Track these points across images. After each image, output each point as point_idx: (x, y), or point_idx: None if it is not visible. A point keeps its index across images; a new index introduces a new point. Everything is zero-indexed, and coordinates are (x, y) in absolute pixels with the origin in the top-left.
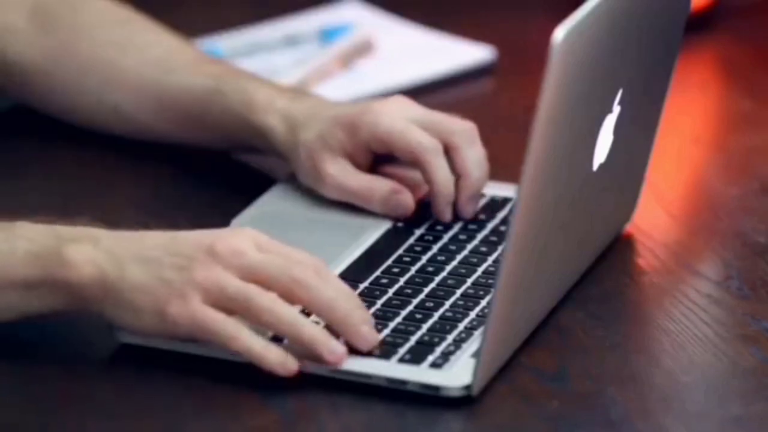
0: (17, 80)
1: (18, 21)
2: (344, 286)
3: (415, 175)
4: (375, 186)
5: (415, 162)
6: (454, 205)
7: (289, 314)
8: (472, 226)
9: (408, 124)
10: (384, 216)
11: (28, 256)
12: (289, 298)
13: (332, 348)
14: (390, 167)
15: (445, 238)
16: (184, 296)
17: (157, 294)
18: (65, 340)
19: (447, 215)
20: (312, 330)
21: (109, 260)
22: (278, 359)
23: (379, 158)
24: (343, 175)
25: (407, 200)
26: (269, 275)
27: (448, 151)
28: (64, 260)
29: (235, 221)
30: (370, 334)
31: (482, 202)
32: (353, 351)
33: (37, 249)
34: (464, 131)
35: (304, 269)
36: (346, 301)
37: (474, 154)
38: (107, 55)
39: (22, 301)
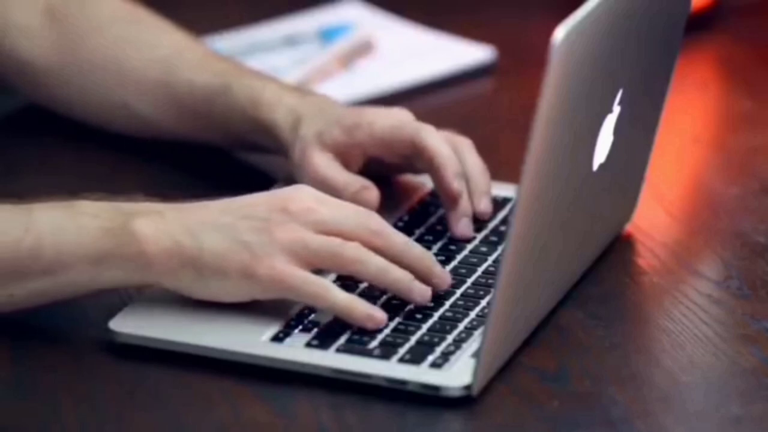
0: (30, 79)
1: (31, 20)
2: (406, 237)
3: (412, 178)
4: (350, 182)
5: (412, 148)
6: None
7: (376, 261)
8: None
9: (404, 120)
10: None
11: (98, 232)
12: (368, 246)
13: (419, 289)
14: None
15: (445, 238)
16: (269, 257)
17: (242, 257)
18: (65, 341)
19: (456, 187)
20: (400, 273)
21: (182, 231)
22: (365, 312)
23: (374, 170)
24: (323, 165)
25: (372, 197)
26: (345, 228)
27: None
28: (135, 234)
29: None
30: (444, 273)
31: None
32: (353, 351)
33: (106, 224)
34: (465, 142)
35: (377, 220)
36: (418, 247)
37: (476, 159)
38: (116, 53)
39: (94, 276)
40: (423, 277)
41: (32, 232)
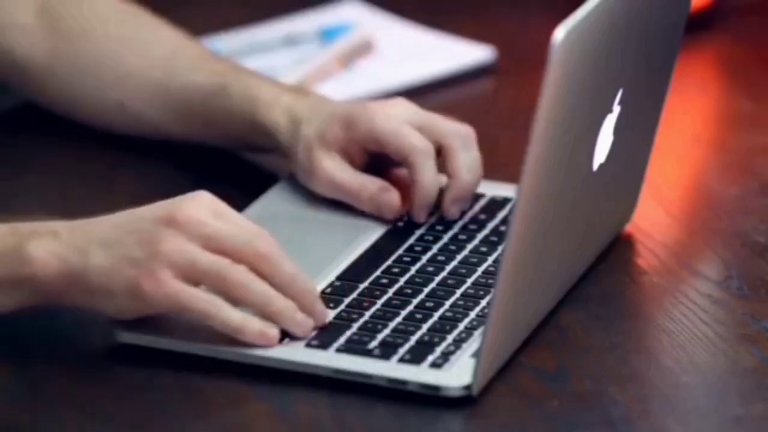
0: (25, 78)
1: (25, 19)
2: (295, 264)
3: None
4: (366, 184)
5: (405, 162)
6: (436, 206)
7: (261, 288)
8: (472, 226)
9: (402, 124)
10: (374, 216)
11: None
12: (253, 270)
13: (300, 321)
14: (390, 169)
15: (445, 238)
16: (154, 272)
17: (127, 274)
18: (65, 341)
19: (421, 217)
20: (282, 303)
21: (71, 250)
22: (257, 329)
23: (377, 160)
24: (335, 170)
25: (393, 199)
26: (234, 247)
27: (442, 153)
28: (27, 257)
29: None
30: (323, 312)
31: (482, 202)
32: (353, 351)
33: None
34: (459, 135)
35: (267, 243)
36: (304, 279)
37: (467, 158)
38: (112, 52)
39: None
40: (304, 310)
41: None
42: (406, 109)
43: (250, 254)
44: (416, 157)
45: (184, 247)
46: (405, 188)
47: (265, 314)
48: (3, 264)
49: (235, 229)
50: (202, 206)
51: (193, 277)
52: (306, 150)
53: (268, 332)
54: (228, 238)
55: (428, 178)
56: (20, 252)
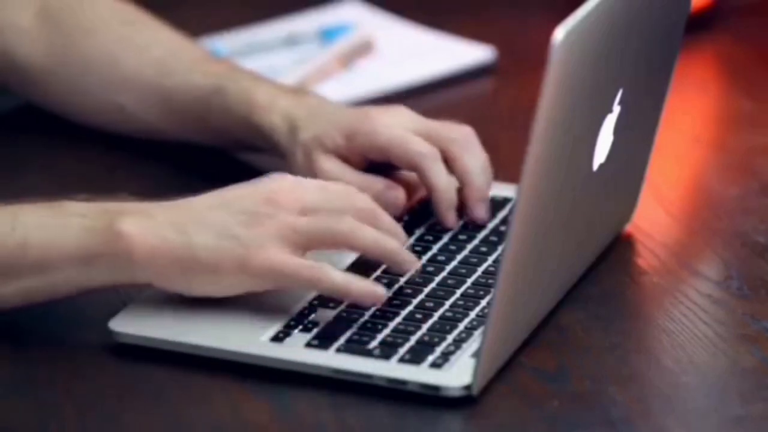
0: (24, 79)
1: (25, 20)
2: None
3: (413, 176)
4: (370, 182)
5: (414, 170)
6: (459, 210)
7: (369, 232)
8: (472, 226)
9: (405, 132)
10: None
11: (84, 231)
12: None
13: (410, 259)
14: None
15: (445, 238)
16: (261, 248)
17: (235, 251)
18: (65, 341)
19: (450, 220)
20: (393, 243)
21: (170, 229)
22: (366, 289)
23: (375, 165)
24: (337, 171)
25: (400, 196)
26: (334, 210)
27: (448, 161)
28: (122, 233)
29: None
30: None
31: None
32: (353, 351)
33: (92, 224)
34: (462, 139)
35: (362, 197)
36: (399, 227)
37: (474, 161)
38: (110, 54)
39: (81, 275)
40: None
41: (19, 231)
42: (405, 116)
43: (350, 211)
44: (425, 163)
45: (288, 219)
46: (405, 189)
47: (377, 255)
48: (98, 240)
49: (328, 193)
50: (292, 184)
51: (301, 243)
52: (305, 154)
53: (375, 289)
54: (327, 203)
55: (443, 179)
56: (115, 228)
